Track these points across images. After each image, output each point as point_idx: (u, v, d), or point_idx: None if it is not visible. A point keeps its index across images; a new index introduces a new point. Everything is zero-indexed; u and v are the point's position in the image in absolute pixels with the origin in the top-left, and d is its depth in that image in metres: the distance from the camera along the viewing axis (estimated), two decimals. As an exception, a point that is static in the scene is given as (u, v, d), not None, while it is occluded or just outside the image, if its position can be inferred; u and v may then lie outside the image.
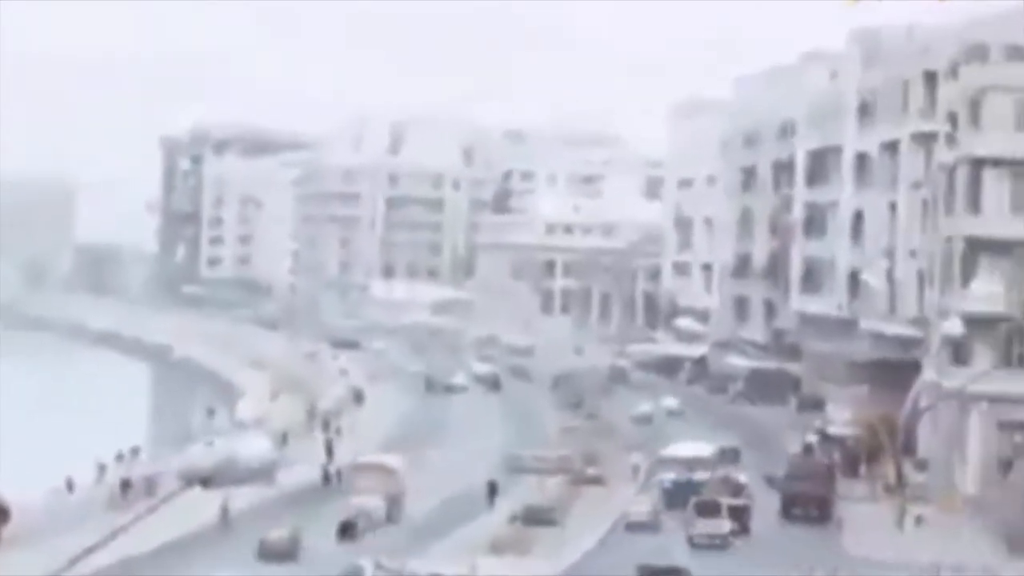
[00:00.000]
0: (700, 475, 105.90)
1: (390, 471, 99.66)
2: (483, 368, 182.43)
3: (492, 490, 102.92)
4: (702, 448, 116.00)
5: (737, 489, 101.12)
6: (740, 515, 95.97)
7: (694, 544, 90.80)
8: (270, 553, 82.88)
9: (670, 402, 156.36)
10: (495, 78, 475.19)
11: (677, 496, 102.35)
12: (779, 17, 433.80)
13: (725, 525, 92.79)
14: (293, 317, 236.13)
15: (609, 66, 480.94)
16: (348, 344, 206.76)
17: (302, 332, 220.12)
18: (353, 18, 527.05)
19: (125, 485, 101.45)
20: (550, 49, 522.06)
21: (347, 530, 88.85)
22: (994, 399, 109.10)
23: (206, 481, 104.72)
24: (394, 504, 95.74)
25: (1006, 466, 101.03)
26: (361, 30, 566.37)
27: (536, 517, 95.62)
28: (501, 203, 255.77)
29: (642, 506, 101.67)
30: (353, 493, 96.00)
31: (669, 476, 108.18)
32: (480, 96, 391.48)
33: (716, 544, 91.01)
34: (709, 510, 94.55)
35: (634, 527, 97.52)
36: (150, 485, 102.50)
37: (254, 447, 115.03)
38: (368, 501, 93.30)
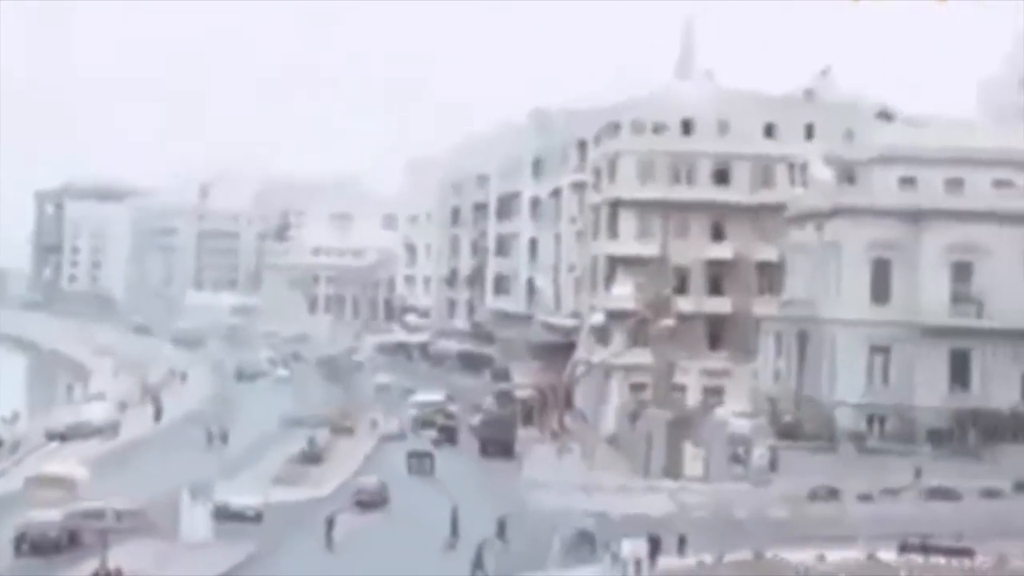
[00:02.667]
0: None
1: (71, 483, 73.28)
2: (275, 356, 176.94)
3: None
4: (435, 394, 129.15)
5: (449, 415, 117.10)
6: (451, 430, 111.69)
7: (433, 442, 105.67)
8: None
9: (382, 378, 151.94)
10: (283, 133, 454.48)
11: (418, 423, 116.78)
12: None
13: (434, 433, 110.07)
14: (132, 319, 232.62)
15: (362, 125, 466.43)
16: (188, 341, 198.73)
17: (144, 331, 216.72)
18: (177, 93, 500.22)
19: None
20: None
21: (22, 544, 63.23)
22: (627, 369, 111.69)
23: (63, 437, 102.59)
24: None
25: (634, 416, 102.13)
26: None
27: (307, 458, 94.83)
28: (281, 234, 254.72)
29: (394, 426, 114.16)
30: (32, 505, 68.46)
31: (413, 411, 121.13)
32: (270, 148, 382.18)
33: (435, 442, 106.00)
34: (430, 425, 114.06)
35: (388, 438, 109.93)
36: (15, 443, 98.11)
37: (100, 412, 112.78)
38: (45, 515, 66.10)
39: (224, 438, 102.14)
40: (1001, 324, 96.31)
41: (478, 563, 61.41)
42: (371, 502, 78.24)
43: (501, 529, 67.68)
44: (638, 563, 62.49)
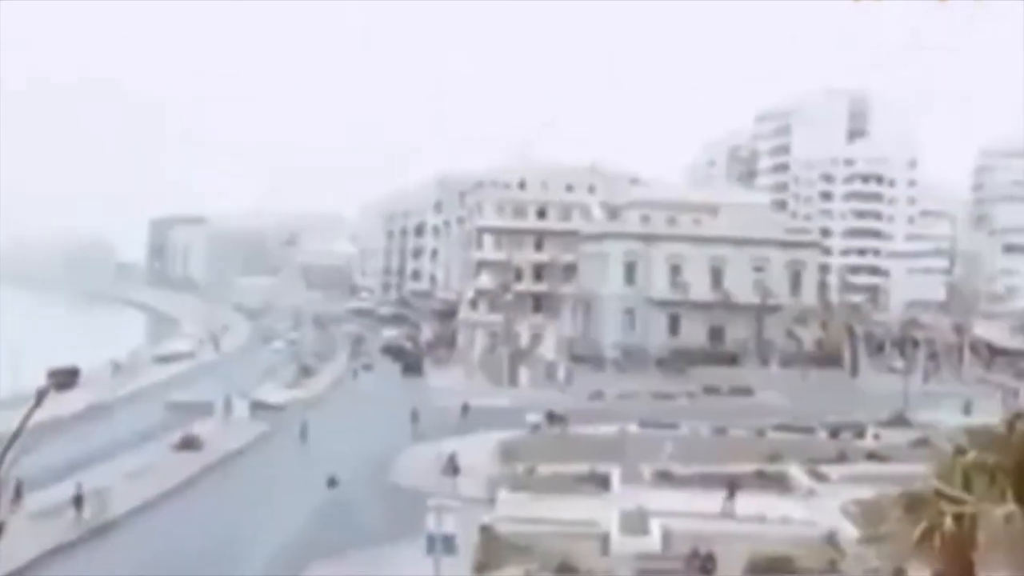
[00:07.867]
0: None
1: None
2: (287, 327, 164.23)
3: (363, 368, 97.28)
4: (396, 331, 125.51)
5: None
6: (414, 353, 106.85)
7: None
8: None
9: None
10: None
11: (387, 351, 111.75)
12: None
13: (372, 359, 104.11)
14: (212, 296, 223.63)
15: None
16: (251, 313, 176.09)
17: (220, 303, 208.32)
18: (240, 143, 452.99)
19: (116, 367, 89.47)
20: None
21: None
22: (486, 324, 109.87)
23: (165, 360, 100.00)
24: None
25: (491, 349, 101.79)
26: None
27: (306, 372, 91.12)
28: (291, 242, 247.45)
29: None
30: None
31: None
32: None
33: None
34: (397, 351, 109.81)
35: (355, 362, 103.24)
36: (131, 365, 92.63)
37: (186, 345, 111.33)
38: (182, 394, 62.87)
39: (310, 372, 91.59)
40: (696, 298, 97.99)
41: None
42: (368, 368, 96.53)
43: (414, 415, 66.40)
44: (537, 426, 63.02)
